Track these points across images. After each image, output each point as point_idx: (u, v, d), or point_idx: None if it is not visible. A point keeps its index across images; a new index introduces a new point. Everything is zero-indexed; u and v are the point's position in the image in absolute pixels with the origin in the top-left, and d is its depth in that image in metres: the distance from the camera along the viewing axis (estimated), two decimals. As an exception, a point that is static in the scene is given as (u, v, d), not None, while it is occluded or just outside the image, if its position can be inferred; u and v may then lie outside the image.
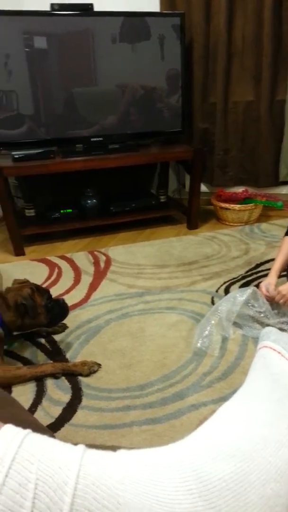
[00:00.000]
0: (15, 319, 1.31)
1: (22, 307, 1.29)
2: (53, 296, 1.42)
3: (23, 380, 1.25)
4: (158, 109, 2.48)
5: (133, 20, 2.26)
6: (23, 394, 1.20)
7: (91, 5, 2.21)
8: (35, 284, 1.38)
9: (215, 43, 2.49)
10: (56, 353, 1.40)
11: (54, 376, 1.27)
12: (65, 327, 1.53)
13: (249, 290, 1.49)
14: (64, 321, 1.54)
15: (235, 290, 1.55)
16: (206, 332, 1.42)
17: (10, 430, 0.35)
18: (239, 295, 1.48)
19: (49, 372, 1.27)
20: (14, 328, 1.34)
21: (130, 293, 1.77)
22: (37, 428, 0.40)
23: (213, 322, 1.45)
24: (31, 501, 0.30)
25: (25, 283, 1.39)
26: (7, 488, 0.31)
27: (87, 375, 1.28)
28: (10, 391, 1.23)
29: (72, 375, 1.28)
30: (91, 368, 1.29)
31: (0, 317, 1.29)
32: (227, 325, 1.44)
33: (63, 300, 1.41)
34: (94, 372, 1.29)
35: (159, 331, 1.49)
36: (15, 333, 1.38)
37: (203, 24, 2.48)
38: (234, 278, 1.86)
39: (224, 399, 1.14)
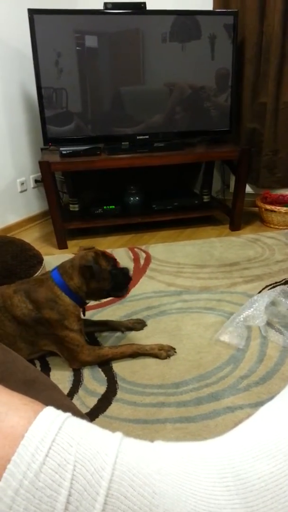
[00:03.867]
0: (80, 284, 1.28)
1: (87, 270, 1.27)
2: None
3: (105, 360, 1.31)
4: (205, 108, 2.45)
5: (185, 19, 2.25)
6: (61, 383, 1.23)
7: (144, 3, 2.22)
8: (101, 250, 1.37)
9: (268, 43, 2.43)
10: (94, 345, 1.42)
11: (132, 356, 1.32)
12: (144, 324, 1.53)
13: (279, 288, 1.56)
14: (103, 316, 1.56)
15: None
16: (231, 328, 1.44)
17: (51, 412, 0.36)
18: (270, 293, 1.56)
19: (128, 354, 1.31)
20: (83, 296, 1.31)
21: (168, 291, 1.77)
22: (75, 413, 0.40)
23: (241, 317, 1.47)
24: (69, 482, 0.31)
25: (91, 249, 1.38)
26: (47, 467, 0.32)
27: (164, 359, 1.32)
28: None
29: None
30: (168, 353, 1.33)
31: (67, 287, 1.28)
32: (256, 315, 1.47)
33: (127, 269, 1.39)
34: (170, 356, 1.33)
35: (196, 330, 1.48)
36: (86, 301, 1.36)
37: (256, 23, 2.43)
38: (277, 282, 1.81)
39: (261, 404, 1.12)
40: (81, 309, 1.33)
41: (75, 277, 1.28)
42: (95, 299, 1.38)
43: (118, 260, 2.10)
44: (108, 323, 1.51)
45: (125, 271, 1.38)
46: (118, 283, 1.36)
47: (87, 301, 1.36)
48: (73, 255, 1.38)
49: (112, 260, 1.35)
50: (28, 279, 1.35)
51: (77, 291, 1.29)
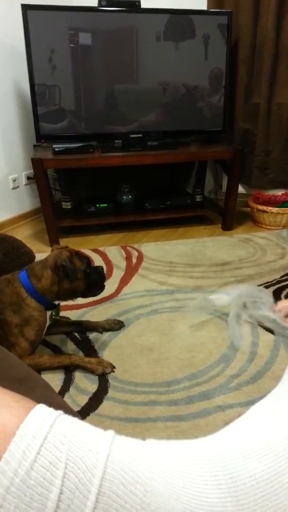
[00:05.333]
0: (51, 284, 1.24)
1: (61, 269, 1.23)
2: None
3: (42, 368, 1.26)
4: (199, 108, 2.46)
5: (179, 18, 2.26)
6: (52, 381, 1.22)
7: (138, 1, 2.22)
8: (75, 249, 1.33)
9: (262, 43, 2.44)
10: (85, 343, 1.42)
11: (68, 368, 1.27)
12: (122, 325, 1.50)
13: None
14: (94, 314, 1.55)
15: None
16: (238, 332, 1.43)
17: (43, 410, 0.36)
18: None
19: (65, 364, 1.27)
20: (53, 297, 1.27)
21: (160, 290, 1.77)
22: (67, 411, 0.40)
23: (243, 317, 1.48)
24: (61, 479, 0.31)
25: (65, 248, 1.34)
26: (38, 465, 0.31)
27: (99, 375, 1.25)
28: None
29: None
30: (105, 369, 1.27)
31: (34, 290, 1.23)
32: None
33: (102, 268, 1.36)
34: (106, 373, 1.26)
35: (188, 329, 1.48)
36: (56, 302, 1.32)
37: (250, 24, 2.44)
38: (268, 282, 1.82)
39: (252, 402, 1.12)
40: (47, 314, 1.29)
41: (45, 277, 1.24)
42: (66, 299, 1.34)
43: (110, 258, 2.11)
44: (84, 323, 1.49)
45: (99, 269, 1.35)
46: (93, 283, 1.33)
47: (57, 302, 1.32)
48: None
49: (86, 260, 1.31)
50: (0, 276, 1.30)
51: (45, 293, 1.24)
